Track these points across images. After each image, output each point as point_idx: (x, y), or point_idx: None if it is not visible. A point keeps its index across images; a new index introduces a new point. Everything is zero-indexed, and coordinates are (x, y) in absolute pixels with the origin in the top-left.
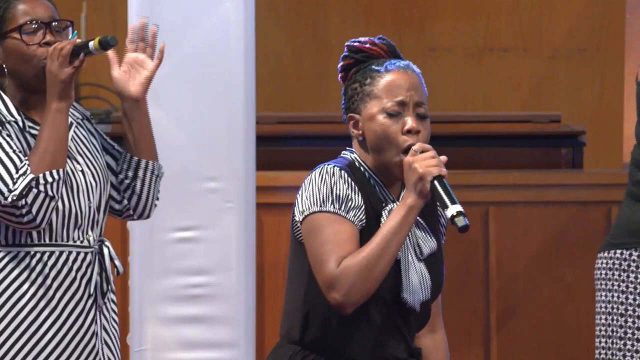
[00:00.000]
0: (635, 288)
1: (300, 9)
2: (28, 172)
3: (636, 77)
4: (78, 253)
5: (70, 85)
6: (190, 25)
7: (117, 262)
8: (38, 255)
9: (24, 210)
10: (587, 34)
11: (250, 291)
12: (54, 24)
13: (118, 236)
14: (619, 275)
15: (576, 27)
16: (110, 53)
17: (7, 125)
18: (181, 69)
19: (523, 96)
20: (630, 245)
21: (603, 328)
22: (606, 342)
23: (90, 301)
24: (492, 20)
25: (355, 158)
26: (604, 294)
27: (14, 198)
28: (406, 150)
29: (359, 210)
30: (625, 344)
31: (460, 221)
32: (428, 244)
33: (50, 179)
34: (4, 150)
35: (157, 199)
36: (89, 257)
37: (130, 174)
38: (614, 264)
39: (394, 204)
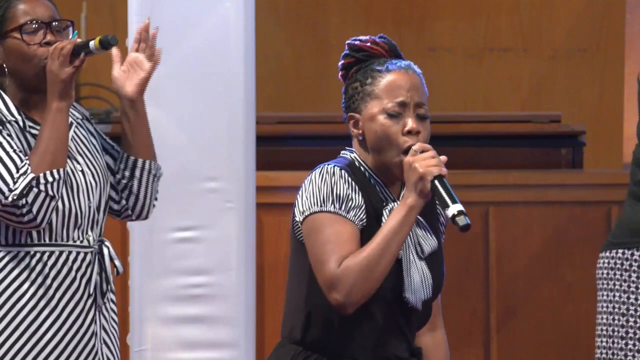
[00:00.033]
0: (637, 288)
1: (300, 9)
2: (28, 171)
3: (637, 76)
4: (78, 253)
5: (70, 84)
6: (190, 25)
7: (116, 262)
8: (38, 255)
9: (24, 210)
10: (587, 34)
11: (250, 291)
12: (54, 23)
13: (118, 236)
14: (621, 275)
15: (576, 27)
16: (115, 51)
17: (8, 125)
18: (181, 69)
19: (523, 96)
20: (632, 244)
21: (604, 327)
22: (607, 342)
23: (89, 301)
24: (492, 20)
25: (355, 157)
26: (605, 293)
27: (15, 197)
28: (406, 151)
29: (359, 210)
30: (626, 344)
31: (462, 220)
32: (429, 242)
33: (50, 179)
34: (4, 149)
35: (156, 199)
36: (88, 257)
37: (127, 173)
38: (615, 263)
39: (395, 203)
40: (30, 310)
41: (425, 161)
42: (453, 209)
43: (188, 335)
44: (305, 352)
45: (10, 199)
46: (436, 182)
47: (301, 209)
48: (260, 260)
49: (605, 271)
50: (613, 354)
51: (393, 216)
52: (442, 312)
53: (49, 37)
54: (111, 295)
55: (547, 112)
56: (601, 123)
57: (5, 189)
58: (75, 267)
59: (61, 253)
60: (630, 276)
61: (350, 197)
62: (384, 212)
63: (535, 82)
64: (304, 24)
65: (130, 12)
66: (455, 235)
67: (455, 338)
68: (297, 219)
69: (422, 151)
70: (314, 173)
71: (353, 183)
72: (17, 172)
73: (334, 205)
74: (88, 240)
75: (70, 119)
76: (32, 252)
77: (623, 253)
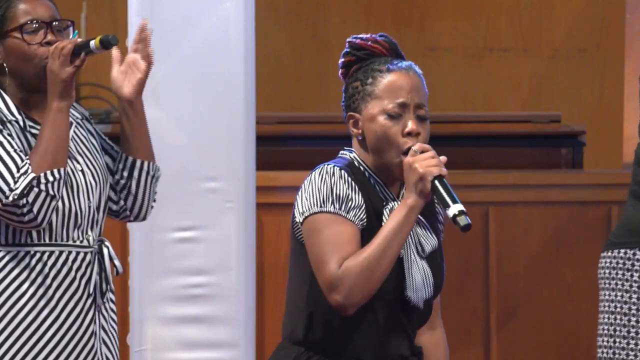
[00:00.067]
0: (639, 287)
1: (300, 9)
2: (29, 171)
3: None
4: (78, 253)
5: (71, 84)
6: (190, 25)
7: (116, 262)
8: (38, 255)
9: (25, 210)
10: (587, 34)
11: (250, 291)
12: (54, 23)
13: (118, 236)
14: (623, 275)
15: (576, 27)
16: (115, 51)
17: (8, 125)
18: (181, 69)
19: (523, 96)
20: (634, 244)
21: (606, 327)
22: (608, 341)
23: (89, 301)
24: (492, 20)
25: (355, 157)
26: (607, 293)
27: (15, 197)
28: (406, 152)
29: (359, 210)
30: (628, 343)
31: (463, 220)
32: (429, 241)
33: (51, 178)
34: (5, 149)
35: (154, 200)
36: (88, 256)
37: (125, 174)
38: (617, 263)
39: (395, 202)
40: (30, 310)
41: (425, 161)
42: (454, 209)
43: (188, 335)
44: (308, 352)
45: (11, 198)
46: (436, 182)
47: (301, 210)
48: (260, 260)
49: (607, 271)
50: (614, 353)
51: (393, 217)
52: (442, 312)
53: (49, 37)
54: (110, 295)
55: (547, 112)
56: (601, 123)
57: (6, 188)
58: (75, 267)
59: (61, 253)
60: (632, 276)
61: (350, 197)
62: (384, 211)
63: (535, 82)
64: (304, 24)
65: (130, 12)
66: (455, 235)
67: (455, 338)
68: (297, 219)
69: (422, 151)
70: (313, 173)
71: (353, 183)
72: (18, 171)
73: (334, 206)
74: (88, 240)
75: (70, 119)
76: (32, 252)
77: (625, 253)
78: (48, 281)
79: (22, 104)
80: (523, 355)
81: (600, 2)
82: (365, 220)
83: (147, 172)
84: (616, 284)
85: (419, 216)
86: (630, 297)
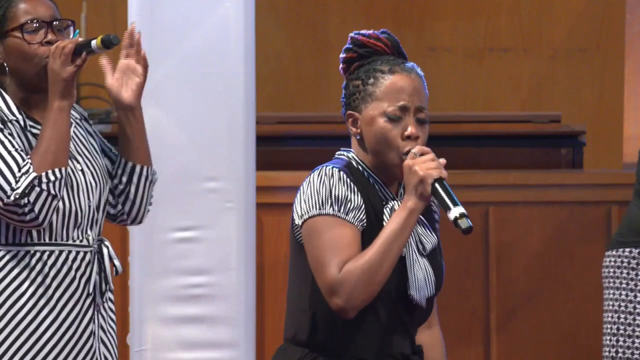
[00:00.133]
0: None
1: (300, 9)
2: (30, 170)
3: None
4: (77, 252)
5: (72, 83)
6: (190, 25)
7: (116, 262)
8: (38, 255)
9: (26, 209)
10: (587, 34)
11: (250, 291)
12: (55, 23)
13: (118, 236)
14: (627, 274)
15: (576, 27)
16: (104, 61)
17: (9, 124)
18: (181, 69)
19: (523, 96)
20: (638, 243)
21: (610, 326)
22: (611, 340)
23: (88, 301)
24: (492, 20)
25: (353, 157)
26: (611, 292)
27: (17, 197)
28: (405, 154)
29: (358, 211)
30: (633, 342)
31: (464, 223)
32: (429, 239)
33: (52, 178)
34: (6, 149)
35: (150, 204)
36: (88, 256)
37: (124, 179)
38: (622, 262)
39: (394, 201)
40: (29, 310)
41: (425, 164)
42: (455, 211)
43: (188, 335)
44: (312, 353)
45: (12, 198)
46: (436, 184)
47: (300, 213)
48: (260, 260)
49: (611, 270)
50: (617, 352)
51: (394, 219)
52: (442, 312)
53: (49, 37)
54: (110, 295)
55: (547, 112)
56: (601, 123)
57: (7, 188)
58: (74, 266)
59: (61, 252)
60: (637, 274)
61: (348, 198)
62: (384, 210)
63: (535, 82)
64: (304, 24)
65: (130, 12)
66: (455, 235)
67: (455, 338)
68: (297, 222)
69: (422, 154)
70: (312, 175)
71: (352, 184)
72: (19, 171)
73: (333, 208)
74: (87, 240)
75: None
76: (32, 252)
77: (630, 252)
78: (48, 281)
79: (23, 104)
80: (523, 355)
81: (600, 2)
82: (365, 220)
83: (146, 178)
84: (620, 283)
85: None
86: (635, 296)
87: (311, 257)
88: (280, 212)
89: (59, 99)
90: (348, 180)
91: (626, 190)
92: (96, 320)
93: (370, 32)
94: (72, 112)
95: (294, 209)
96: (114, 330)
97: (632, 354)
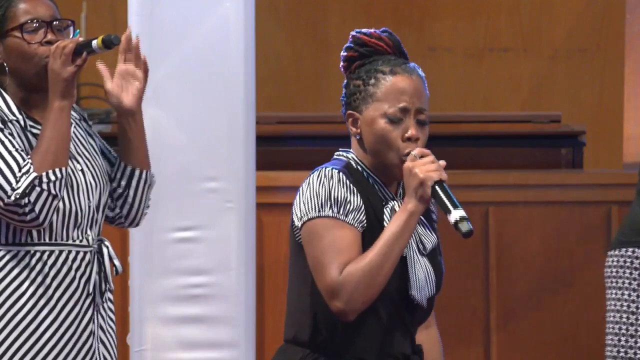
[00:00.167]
0: None
1: (300, 9)
2: (31, 170)
3: None
4: (77, 252)
5: (72, 83)
6: (190, 25)
7: (116, 262)
8: (38, 255)
9: (27, 209)
10: (587, 34)
11: (250, 291)
12: (55, 22)
13: (118, 236)
14: (630, 274)
15: (576, 27)
16: (102, 66)
17: (9, 124)
18: (181, 69)
19: (523, 96)
20: None
21: (613, 325)
22: (613, 340)
23: (88, 300)
24: (492, 20)
25: (352, 158)
26: (614, 291)
27: (17, 197)
28: (405, 156)
29: (358, 212)
30: (636, 342)
31: (464, 226)
32: (429, 239)
33: (53, 178)
34: (6, 149)
35: (148, 206)
36: (88, 256)
37: (123, 182)
38: (625, 262)
39: (394, 201)
40: (29, 310)
41: (425, 166)
42: (455, 214)
43: (188, 335)
44: (313, 354)
45: (13, 198)
46: (437, 187)
47: (299, 215)
48: (260, 260)
49: (613, 270)
50: (619, 351)
51: (394, 222)
52: (443, 312)
53: (49, 36)
54: (109, 295)
55: (547, 112)
56: (601, 123)
57: (7, 188)
58: (74, 266)
59: (61, 252)
60: None
61: (348, 200)
62: (384, 210)
63: (535, 82)
64: (304, 24)
65: (130, 12)
66: (455, 235)
67: (455, 338)
68: (296, 224)
69: (422, 156)
70: (311, 177)
71: (351, 186)
72: (20, 171)
73: (332, 210)
74: (87, 240)
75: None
76: (32, 252)
77: (633, 252)
78: (48, 280)
79: (23, 104)
80: (523, 355)
81: (600, 2)
82: (365, 221)
83: (145, 181)
84: (623, 283)
85: None
86: (638, 296)
87: (311, 259)
88: (280, 212)
89: (59, 99)
90: (347, 182)
91: (626, 190)
92: (96, 320)
93: (372, 31)
94: (72, 112)
95: (294, 211)
96: (113, 330)
97: (635, 353)
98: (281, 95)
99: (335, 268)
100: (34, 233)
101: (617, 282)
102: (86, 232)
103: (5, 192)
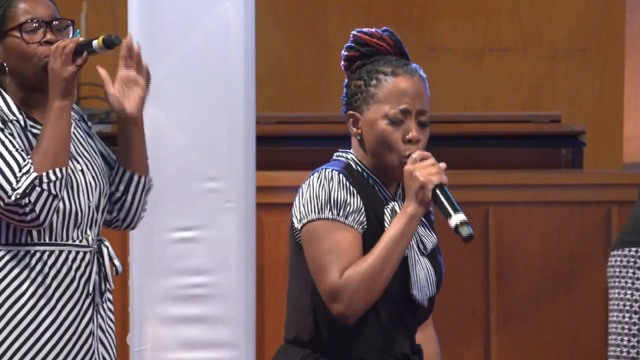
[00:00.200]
0: None
1: (300, 9)
2: (31, 170)
3: None
4: (77, 252)
5: (72, 83)
6: (190, 25)
7: (116, 262)
8: (38, 255)
9: (27, 209)
10: (587, 34)
11: (250, 291)
12: (54, 22)
13: (118, 236)
14: (633, 273)
15: (576, 27)
16: (103, 72)
17: (9, 124)
18: (181, 69)
19: (523, 96)
20: None
21: (615, 325)
22: (616, 339)
23: (88, 301)
24: (492, 20)
25: (352, 158)
26: (617, 291)
27: (18, 197)
28: (406, 158)
29: (358, 214)
30: (639, 342)
31: (465, 231)
32: (430, 239)
33: (53, 177)
34: (7, 149)
35: (145, 210)
36: (87, 256)
37: (121, 187)
38: (628, 261)
39: (394, 202)
40: (29, 310)
41: (426, 169)
42: (456, 219)
43: (188, 335)
44: (314, 354)
45: (13, 198)
46: (437, 191)
47: (299, 216)
48: (260, 260)
49: (617, 269)
50: (622, 351)
51: (394, 225)
52: (443, 312)
53: (48, 36)
54: (108, 295)
55: (547, 112)
56: (601, 123)
57: (8, 188)
58: (74, 266)
59: (61, 252)
60: None
61: (348, 202)
62: (385, 211)
63: (535, 82)
64: (304, 24)
65: (130, 12)
66: (455, 236)
67: (455, 338)
68: (296, 225)
69: (422, 159)
70: (311, 178)
71: (351, 187)
72: (20, 171)
73: (332, 212)
74: (87, 240)
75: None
76: (32, 252)
77: (636, 251)
78: (48, 281)
79: (23, 104)
80: (523, 355)
81: (600, 2)
82: (365, 222)
83: (143, 187)
84: (626, 283)
85: None
86: None
87: (311, 262)
88: (280, 212)
89: (59, 99)
90: (347, 184)
91: (626, 190)
92: (95, 320)
93: (373, 30)
94: (72, 112)
95: (293, 212)
96: (112, 330)
97: (638, 353)
98: (281, 95)
99: (336, 271)
100: (34, 233)
101: (620, 282)
102: (86, 232)
103: (5, 192)
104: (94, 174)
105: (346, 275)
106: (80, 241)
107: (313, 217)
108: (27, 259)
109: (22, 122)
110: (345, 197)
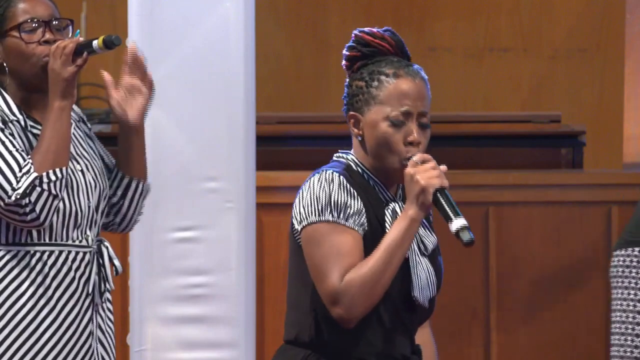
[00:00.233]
0: None
1: (300, 9)
2: (31, 170)
3: None
4: (77, 253)
5: (72, 83)
6: (190, 25)
7: (116, 262)
8: (38, 255)
9: (27, 209)
10: (587, 34)
11: (250, 291)
12: (54, 22)
13: (118, 236)
14: (637, 273)
15: (576, 27)
16: (107, 77)
17: (10, 124)
18: (181, 69)
19: (523, 96)
20: None
21: (618, 325)
22: (619, 339)
23: (87, 301)
24: (492, 20)
25: (352, 159)
26: (620, 291)
27: (18, 197)
28: (406, 160)
29: (358, 216)
30: None
31: (466, 235)
32: (430, 240)
33: (53, 178)
34: (7, 149)
35: (141, 213)
36: (87, 256)
37: (119, 192)
38: (631, 261)
39: (394, 203)
40: (29, 310)
41: (427, 173)
42: (456, 223)
43: (188, 335)
44: (314, 354)
45: (13, 198)
46: (438, 195)
47: (299, 218)
48: (260, 260)
49: (619, 269)
50: (625, 351)
51: (394, 228)
52: (443, 312)
53: (48, 36)
54: (108, 295)
55: (547, 112)
56: (601, 123)
57: (8, 188)
58: (74, 266)
59: (61, 253)
60: None
61: (348, 203)
62: (386, 212)
63: (535, 82)
64: (304, 24)
65: (130, 12)
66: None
67: (455, 338)
68: (296, 227)
69: (423, 161)
70: (311, 180)
71: (352, 189)
72: (20, 171)
73: (332, 215)
74: (87, 240)
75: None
76: (32, 252)
77: None
78: (48, 281)
79: (23, 104)
80: (523, 355)
81: (600, 2)
82: (366, 224)
83: (141, 193)
84: (629, 282)
85: None
86: None
87: (311, 264)
88: (280, 212)
89: (59, 99)
90: (348, 185)
91: (626, 190)
92: (95, 321)
93: (375, 30)
94: (71, 112)
95: (294, 214)
96: (112, 331)
97: None
98: (281, 95)
99: (336, 274)
100: (34, 233)
101: (623, 282)
102: (86, 233)
103: (5, 192)
104: (93, 175)
105: (347, 279)
106: (80, 241)
107: (313, 220)
108: (27, 259)
109: (22, 122)
110: (346, 199)
